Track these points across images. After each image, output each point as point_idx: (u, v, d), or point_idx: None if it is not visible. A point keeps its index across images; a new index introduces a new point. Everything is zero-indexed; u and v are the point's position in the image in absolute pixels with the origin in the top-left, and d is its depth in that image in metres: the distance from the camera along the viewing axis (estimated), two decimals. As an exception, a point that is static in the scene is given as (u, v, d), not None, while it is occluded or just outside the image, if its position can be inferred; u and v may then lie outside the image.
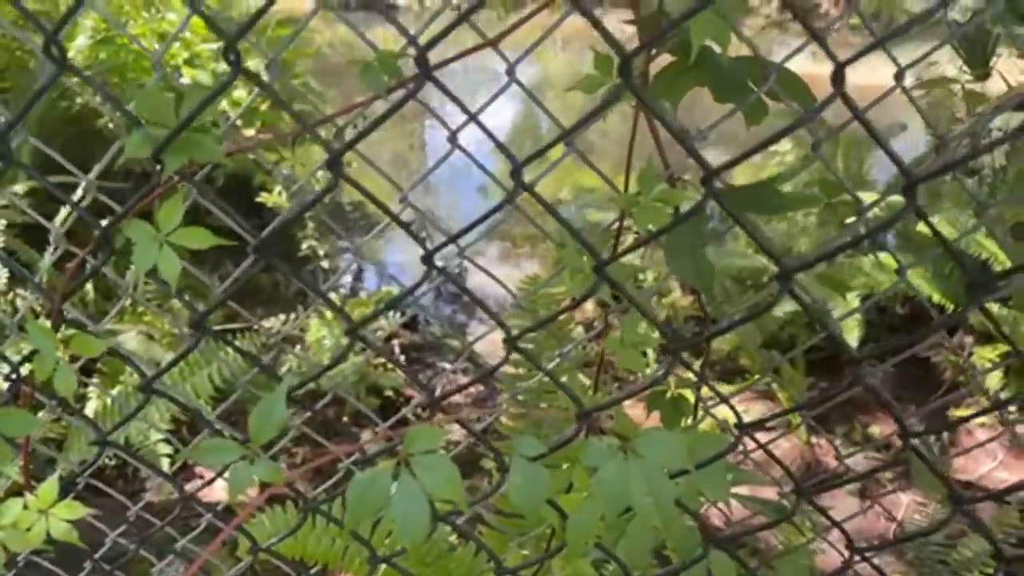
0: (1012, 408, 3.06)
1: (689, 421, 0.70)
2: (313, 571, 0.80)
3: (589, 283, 0.54)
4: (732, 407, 0.58)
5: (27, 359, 0.50)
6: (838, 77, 0.38)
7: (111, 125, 3.93)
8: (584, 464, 0.44)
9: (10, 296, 2.83)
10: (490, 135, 0.49)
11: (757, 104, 0.59)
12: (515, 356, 1.48)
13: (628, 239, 0.71)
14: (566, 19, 0.51)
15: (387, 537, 1.17)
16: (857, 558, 0.63)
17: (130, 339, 2.94)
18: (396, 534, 0.38)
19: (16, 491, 0.56)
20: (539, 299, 1.48)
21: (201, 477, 2.68)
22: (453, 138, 0.59)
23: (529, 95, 0.63)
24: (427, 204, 4.51)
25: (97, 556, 0.77)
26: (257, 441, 0.41)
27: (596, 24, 0.38)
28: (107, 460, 2.51)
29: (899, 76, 0.52)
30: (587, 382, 1.49)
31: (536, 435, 0.58)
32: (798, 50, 0.48)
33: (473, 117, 0.48)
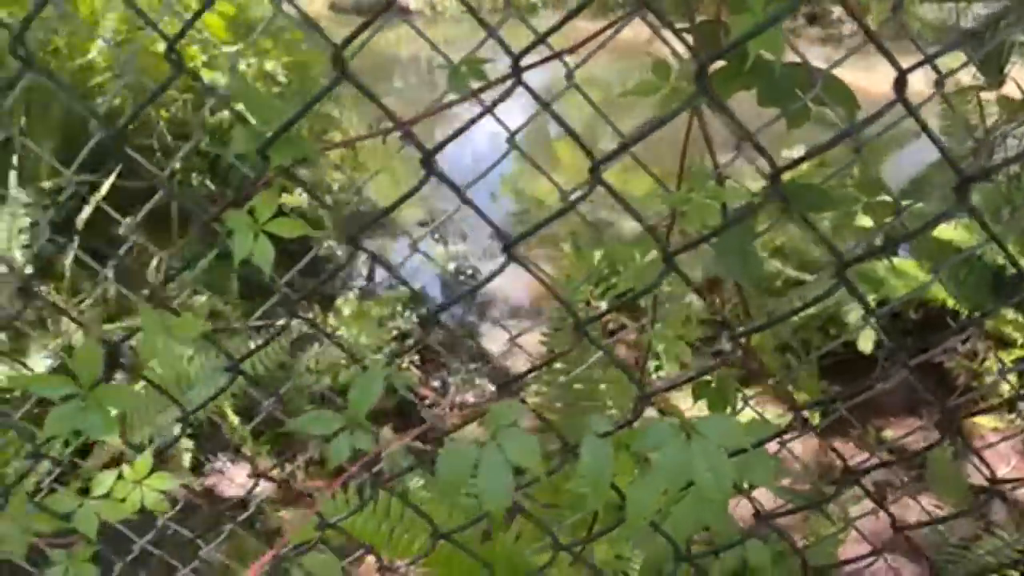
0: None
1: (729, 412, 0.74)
2: (358, 554, 0.84)
3: (643, 273, 0.58)
4: (789, 398, 0.61)
5: (126, 338, 0.53)
6: (900, 83, 0.41)
7: (131, 126, 3.98)
8: (647, 440, 0.48)
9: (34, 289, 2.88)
10: (571, 132, 0.53)
11: (801, 109, 0.63)
12: (542, 353, 1.50)
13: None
14: (625, 25, 0.54)
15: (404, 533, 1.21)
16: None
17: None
18: (481, 500, 0.41)
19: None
20: (574, 299, 1.51)
21: (221, 472, 2.72)
22: (511, 139, 0.62)
23: (589, 102, 0.66)
24: (438, 206, 4.54)
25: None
26: (357, 411, 0.44)
27: (673, 29, 0.41)
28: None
29: (939, 84, 0.56)
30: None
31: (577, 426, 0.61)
32: (845, 57, 0.51)
33: (547, 106, 0.51)
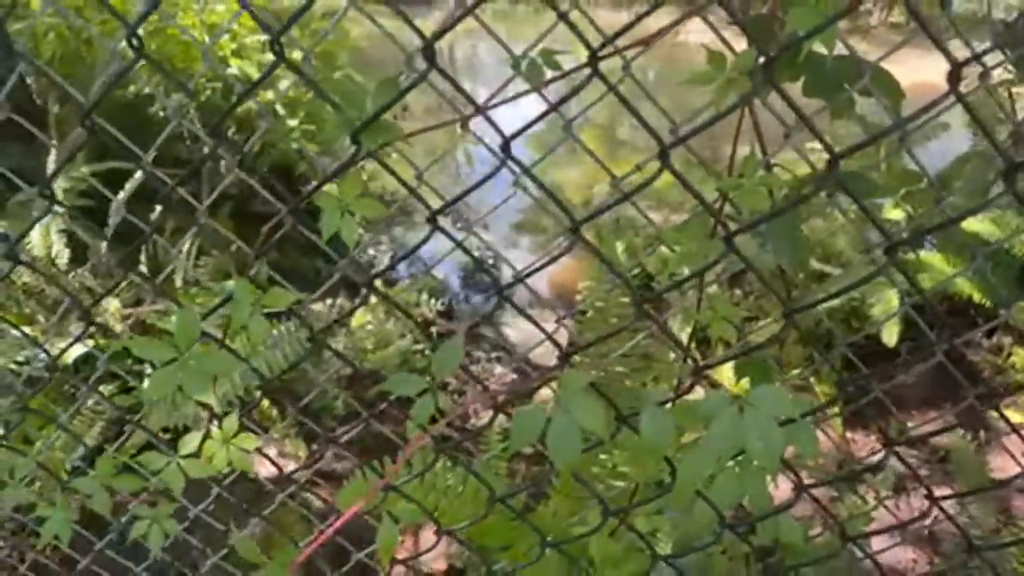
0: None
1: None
2: (400, 525, 0.88)
3: (694, 259, 0.61)
4: (834, 368, 0.64)
5: (214, 309, 0.58)
6: (953, 76, 0.44)
7: (162, 113, 4.06)
8: (701, 411, 0.51)
9: (71, 276, 2.96)
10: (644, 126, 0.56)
11: (845, 101, 0.65)
12: (574, 338, 1.53)
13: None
14: (685, 19, 0.57)
15: (452, 503, 1.25)
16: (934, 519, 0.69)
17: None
18: (552, 457, 0.45)
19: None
20: (597, 293, 1.55)
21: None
22: (568, 126, 0.65)
23: (619, 96, 0.69)
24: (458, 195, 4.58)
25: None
26: (441, 374, 0.48)
27: (740, 24, 0.44)
28: (163, 433, 2.63)
29: (984, 76, 0.58)
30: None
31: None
32: (900, 45, 0.53)
33: (624, 101, 0.54)
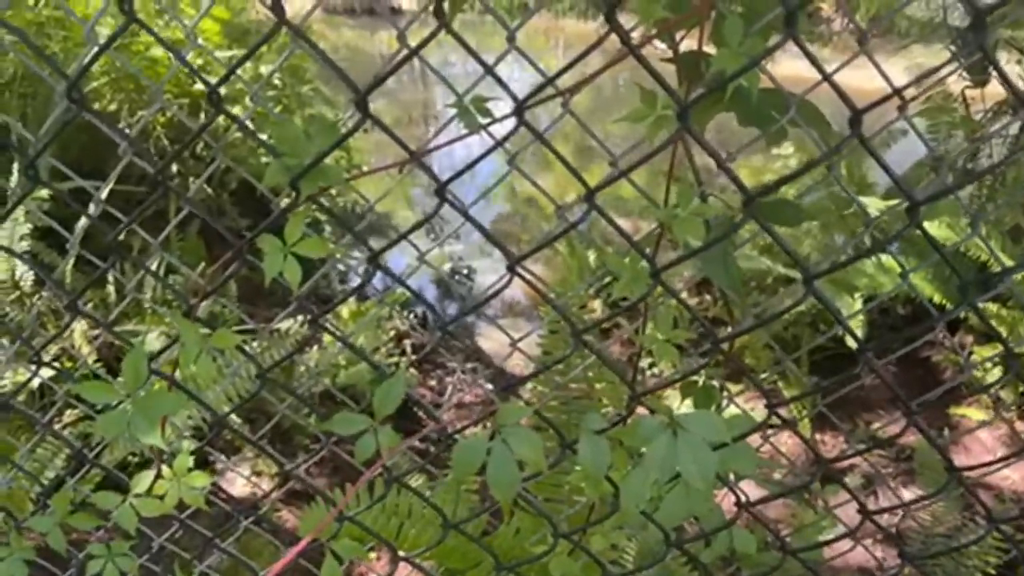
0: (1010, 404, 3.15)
1: (714, 409, 0.79)
2: (367, 547, 0.89)
3: (631, 286, 0.63)
4: (764, 391, 0.67)
5: (163, 351, 0.58)
6: (901, 107, 0.47)
7: (128, 130, 4.02)
8: (638, 436, 0.53)
9: (36, 298, 2.92)
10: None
11: (779, 130, 0.68)
12: (538, 356, 1.56)
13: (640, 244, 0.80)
14: (617, 61, 0.59)
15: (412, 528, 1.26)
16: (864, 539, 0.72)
17: (152, 339, 3.03)
18: (492, 490, 0.47)
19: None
20: (570, 301, 1.57)
21: (221, 474, 2.76)
22: (512, 161, 0.67)
23: (582, 125, 0.72)
24: (430, 205, 4.60)
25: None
26: (381, 414, 0.49)
27: (655, 75, 0.46)
28: (131, 457, 2.60)
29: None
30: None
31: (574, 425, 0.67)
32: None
33: (553, 149, 0.57)
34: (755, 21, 0.62)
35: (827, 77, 0.48)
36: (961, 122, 3.28)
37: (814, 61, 0.46)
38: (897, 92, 0.58)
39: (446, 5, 0.46)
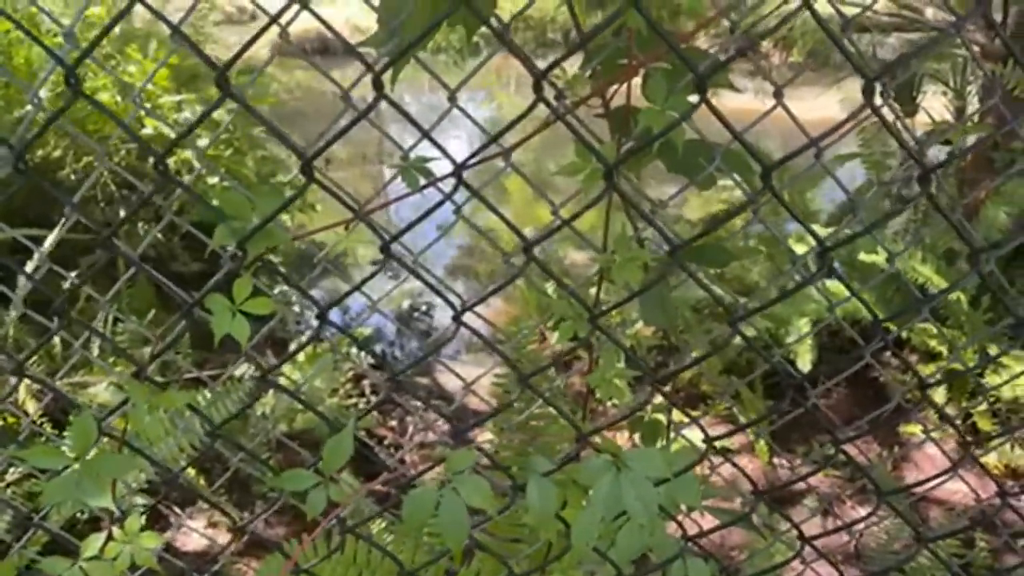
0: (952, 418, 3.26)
1: (662, 442, 0.82)
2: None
3: (574, 328, 0.66)
4: (700, 426, 0.70)
5: (113, 412, 0.58)
6: (818, 154, 0.50)
7: (73, 177, 3.95)
8: (585, 475, 0.55)
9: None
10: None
11: (707, 177, 0.72)
12: (497, 392, 1.58)
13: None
14: (553, 121, 0.63)
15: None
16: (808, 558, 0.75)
17: (100, 391, 2.95)
18: (443, 538, 0.48)
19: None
20: (522, 338, 1.59)
21: (177, 527, 2.68)
22: (458, 211, 0.70)
23: (526, 180, 0.75)
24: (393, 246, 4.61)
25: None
26: (330, 469, 0.50)
27: (581, 138, 0.50)
28: (79, 515, 2.51)
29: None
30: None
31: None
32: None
33: (493, 208, 0.59)
34: (681, 77, 0.66)
35: (738, 137, 0.52)
36: (875, 164, 3.48)
37: (724, 121, 0.50)
38: (814, 142, 0.63)
39: (386, 78, 0.48)
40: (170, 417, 1.98)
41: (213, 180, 4.00)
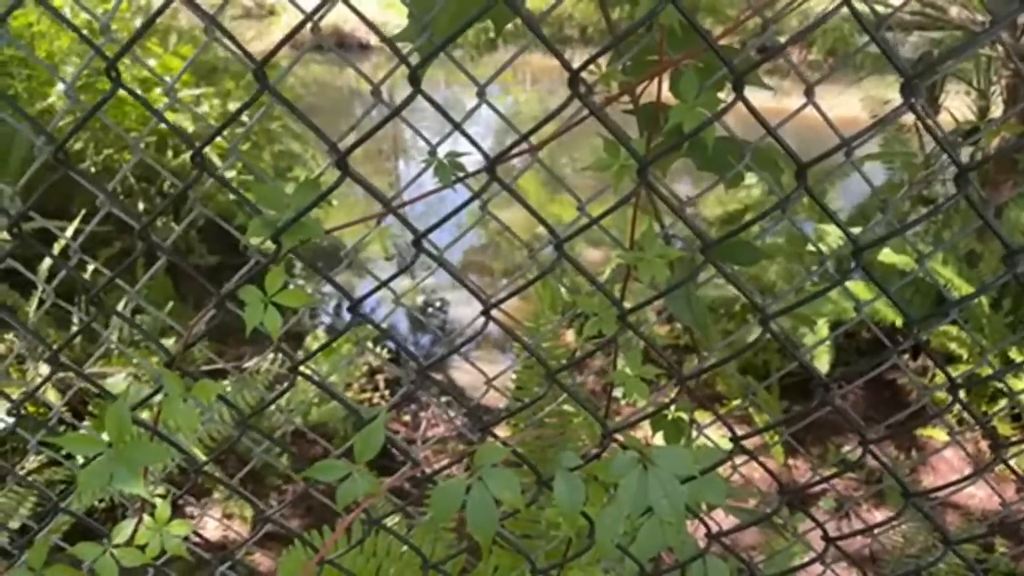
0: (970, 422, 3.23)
1: (684, 441, 0.82)
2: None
3: (600, 325, 0.66)
4: (729, 425, 0.69)
5: (144, 401, 0.59)
6: (848, 153, 0.50)
7: (93, 169, 4.00)
8: (611, 472, 0.55)
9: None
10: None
11: (735, 175, 0.72)
12: (511, 389, 1.58)
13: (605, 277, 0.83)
14: (578, 121, 0.63)
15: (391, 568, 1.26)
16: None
17: (119, 381, 2.98)
18: (472, 531, 0.48)
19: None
20: (545, 334, 1.60)
21: (191, 517, 2.71)
22: (484, 207, 0.70)
23: (552, 176, 0.75)
24: (403, 241, 4.62)
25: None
26: (361, 460, 0.51)
27: (615, 134, 0.50)
28: (97, 503, 2.54)
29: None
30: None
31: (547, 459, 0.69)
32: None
33: (524, 204, 0.59)
34: (711, 74, 0.66)
35: (773, 133, 0.51)
36: (906, 164, 3.43)
37: (760, 118, 0.49)
38: (846, 142, 0.63)
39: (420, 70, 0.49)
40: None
41: (231, 174, 4.03)
